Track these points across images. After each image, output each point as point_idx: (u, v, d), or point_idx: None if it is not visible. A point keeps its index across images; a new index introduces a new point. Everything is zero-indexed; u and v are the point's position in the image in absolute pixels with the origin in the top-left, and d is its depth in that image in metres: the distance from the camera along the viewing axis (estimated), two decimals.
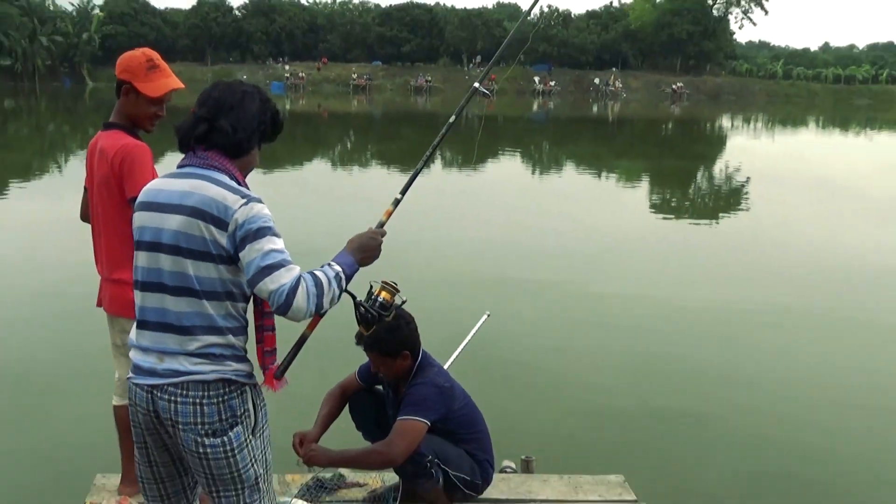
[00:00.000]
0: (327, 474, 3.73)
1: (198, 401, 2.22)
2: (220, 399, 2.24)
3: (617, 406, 5.73)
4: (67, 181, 15.83)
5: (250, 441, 2.31)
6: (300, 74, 62.38)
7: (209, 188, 2.21)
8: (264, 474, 2.38)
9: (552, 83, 63.36)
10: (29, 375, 5.77)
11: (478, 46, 66.32)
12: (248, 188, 2.30)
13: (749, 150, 28.12)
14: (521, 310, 7.76)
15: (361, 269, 2.43)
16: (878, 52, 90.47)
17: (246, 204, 2.18)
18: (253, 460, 2.32)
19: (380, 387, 3.56)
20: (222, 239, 2.18)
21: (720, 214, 15.15)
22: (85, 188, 3.37)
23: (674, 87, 63.15)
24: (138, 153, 3.13)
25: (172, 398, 2.23)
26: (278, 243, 2.18)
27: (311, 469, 3.25)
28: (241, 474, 2.31)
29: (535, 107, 51.46)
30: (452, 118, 2.84)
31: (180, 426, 2.24)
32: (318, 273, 2.21)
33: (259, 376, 2.42)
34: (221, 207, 2.18)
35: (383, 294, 2.49)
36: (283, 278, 2.13)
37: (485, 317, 4.44)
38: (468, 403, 3.44)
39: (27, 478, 4.47)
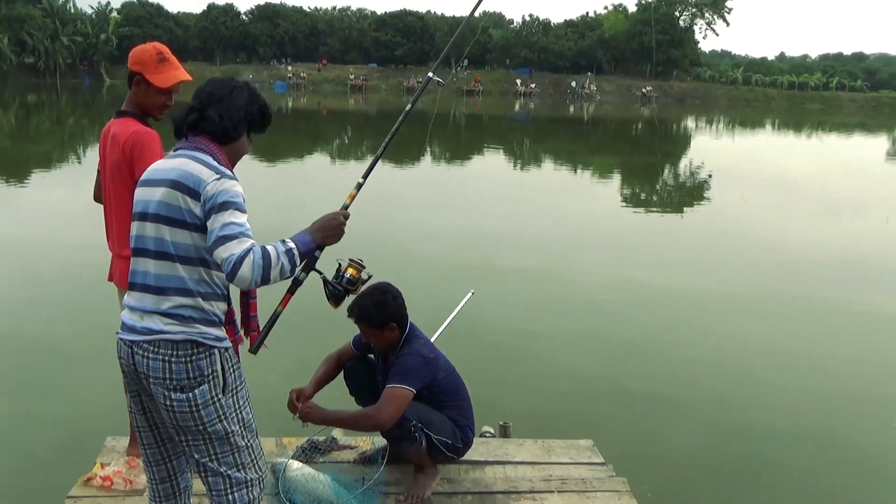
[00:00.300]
0: (321, 437, 3.72)
1: (167, 358, 2.25)
2: (188, 359, 2.25)
3: (589, 380, 5.75)
4: (86, 170, 15.66)
5: (218, 399, 2.30)
6: (302, 75, 61.95)
7: (191, 164, 2.27)
8: (240, 431, 2.36)
9: (533, 85, 63.24)
10: (48, 347, 5.71)
11: (464, 51, 66.02)
12: (231, 170, 2.34)
13: (711, 149, 28.17)
14: (504, 291, 7.75)
15: (343, 247, 2.42)
16: (829, 61, 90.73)
17: (218, 179, 2.23)
18: (221, 417, 2.31)
19: (372, 356, 3.54)
20: (196, 209, 2.22)
21: (685, 208, 15.17)
22: (98, 171, 3.33)
23: (643, 90, 63.11)
24: (148, 139, 3.09)
25: (146, 354, 2.27)
26: (239, 217, 2.20)
27: (305, 424, 3.20)
28: (207, 428, 2.31)
29: (517, 107, 51.29)
30: (409, 107, 2.84)
31: (151, 380, 2.29)
32: (269, 247, 2.20)
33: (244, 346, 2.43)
34: (197, 180, 2.23)
35: (350, 271, 2.51)
36: (234, 248, 2.15)
37: (469, 294, 4.42)
38: (452, 373, 3.42)
39: (44, 440, 4.44)
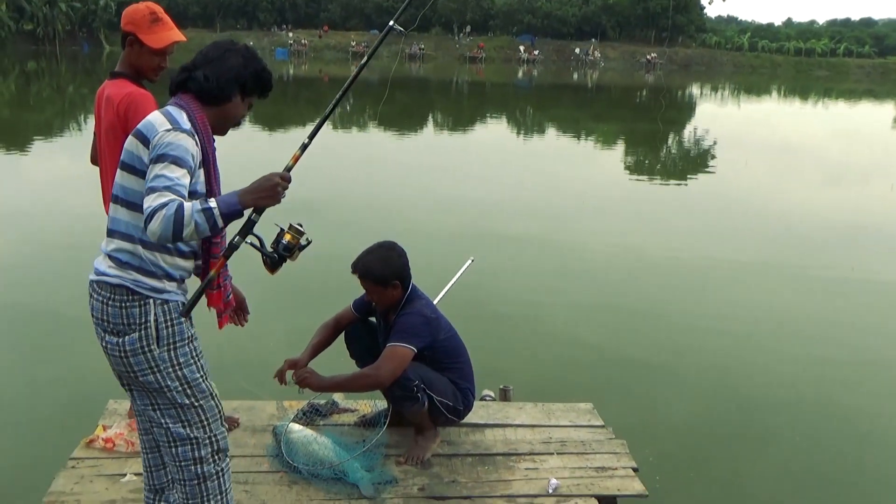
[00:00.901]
0: (321, 400, 3.74)
1: (104, 301, 2.30)
2: (122, 304, 2.28)
3: (590, 347, 5.76)
4: (86, 139, 15.62)
5: (150, 351, 2.30)
6: (303, 41, 61.26)
7: (155, 115, 2.28)
8: (180, 388, 2.35)
9: (536, 52, 62.55)
10: (50, 312, 5.73)
11: (467, 17, 65.26)
12: (210, 131, 2.33)
13: (716, 116, 27.96)
14: (504, 259, 7.75)
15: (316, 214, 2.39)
16: (837, 27, 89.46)
17: (168, 131, 2.22)
18: (154, 369, 2.32)
19: (373, 318, 3.55)
20: (145, 156, 2.23)
21: (689, 176, 15.09)
22: (94, 133, 3.30)
23: (648, 57, 62.43)
24: (142, 101, 3.05)
25: (93, 294, 2.34)
26: (173, 171, 2.16)
27: (302, 391, 3.23)
28: (139, 377, 2.34)
29: (520, 74, 50.83)
30: (365, 59, 2.76)
31: (93, 319, 2.36)
32: (186, 205, 2.14)
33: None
34: (151, 129, 2.24)
35: (287, 236, 2.46)
36: (152, 200, 2.13)
37: (470, 261, 4.42)
38: (453, 335, 3.43)
39: (46, 403, 4.48)
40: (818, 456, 4.38)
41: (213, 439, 2.46)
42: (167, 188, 2.14)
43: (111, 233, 2.33)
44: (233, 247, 2.44)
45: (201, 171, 2.33)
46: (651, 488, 3.29)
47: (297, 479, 3.15)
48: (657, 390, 5.09)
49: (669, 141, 20.62)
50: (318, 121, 2.62)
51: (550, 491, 3.15)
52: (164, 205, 2.11)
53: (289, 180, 2.36)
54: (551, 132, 21.50)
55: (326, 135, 18.06)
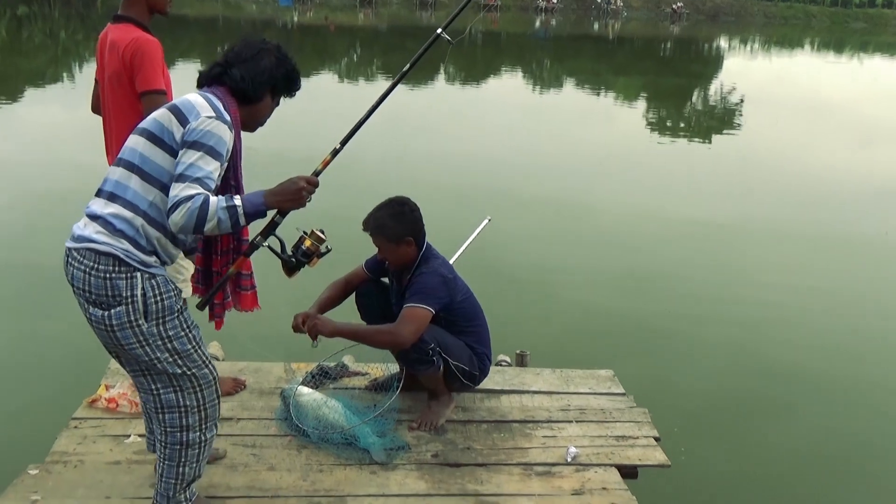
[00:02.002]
0: (331, 363, 3.76)
1: (88, 270, 2.27)
2: (107, 275, 2.26)
3: (610, 311, 5.77)
4: (80, 87, 15.53)
5: (138, 325, 2.30)
6: None
7: (196, 97, 2.38)
8: (171, 359, 2.37)
9: (554, 0, 61.56)
10: (50, 270, 5.73)
11: None
12: (238, 126, 2.43)
13: (745, 70, 27.54)
14: (521, 220, 7.73)
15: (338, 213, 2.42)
16: None
17: (211, 118, 2.29)
18: (143, 343, 2.32)
19: (385, 279, 3.54)
20: (178, 133, 2.28)
21: (715, 134, 14.95)
22: (96, 80, 3.26)
23: (674, 6, 61.29)
24: (149, 48, 3.01)
25: (73, 262, 2.31)
26: (208, 164, 2.24)
27: (316, 343, 3.22)
28: (127, 350, 2.35)
29: (537, 23, 50.06)
30: (407, 67, 2.85)
31: (74, 289, 2.34)
32: (212, 199, 2.21)
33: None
34: (191, 109, 2.31)
35: (307, 243, 2.58)
36: (180, 190, 2.19)
37: (486, 221, 4.40)
38: (470, 297, 3.43)
39: (47, 362, 4.53)
40: (845, 428, 4.39)
41: (203, 408, 2.49)
42: (197, 180, 2.20)
43: (112, 197, 2.31)
44: (253, 246, 2.56)
45: (227, 163, 2.40)
46: (673, 459, 3.30)
47: (306, 443, 3.18)
48: (679, 358, 5.10)
49: (694, 97, 20.36)
50: (354, 125, 2.71)
51: (569, 459, 3.17)
52: (190, 197, 2.18)
53: (316, 185, 2.46)
54: (569, 86, 21.25)
55: (332, 87, 17.97)
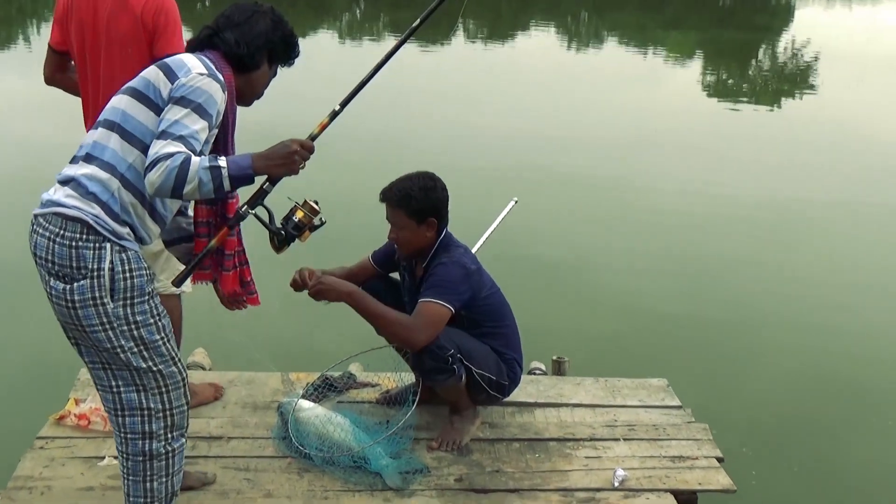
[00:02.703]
0: (336, 373, 3.79)
1: (52, 237, 2.32)
2: (73, 242, 2.31)
3: (660, 309, 5.77)
4: (38, 53, 15.63)
5: (103, 304, 2.34)
6: None
7: (191, 57, 2.45)
8: (137, 350, 2.41)
9: None
10: (6, 266, 5.82)
11: None
12: (232, 92, 2.49)
13: (820, 23, 27.22)
14: (552, 201, 7.72)
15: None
16: None
17: (203, 75, 2.36)
18: (106, 326, 2.36)
19: (395, 274, 3.56)
20: (164, 90, 2.36)
21: (783, 98, 14.83)
22: (54, 49, 3.26)
23: None
24: (173, 7, 3.07)
25: (38, 229, 2.37)
26: (194, 121, 2.30)
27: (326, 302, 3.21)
28: (89, 333, 2.38)
29: None
30: (417, 22, 2.89)
31: (36, 259, 2.39)
32: (193, 159, 2.26)
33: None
34: (181, 65, 2.39)
35: (299, 214, 2.63)
36: (160, 147, 2.25)
37: (512, 203, 4.40)
38: (496, 293, 3.43)
39: (7, 372, 4.59)
40: None
41: (169, 413, 2.52)
42: (181, 138, 2.26)
43: (89, 158, 2.37)
44: (238, 217, 2.59)
45: (214, 132, 2.45)
46: (740, 483, 3.30)
47: (308, 466, 3.20)
48: (744, 364, 5.10)
49: (760, 54, 20.19)
50: (353, 88, 2.73)
51: (616, 484, 3.17)
52: (170, 155, 2.23)
53: (311, 150, 2.51)
54: (611, 44, 21.12)
55: (331, 48, 17.98)
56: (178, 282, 2.73)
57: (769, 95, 15.16)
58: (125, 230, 2.37)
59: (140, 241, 2.45)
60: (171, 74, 2.36)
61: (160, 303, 2.49)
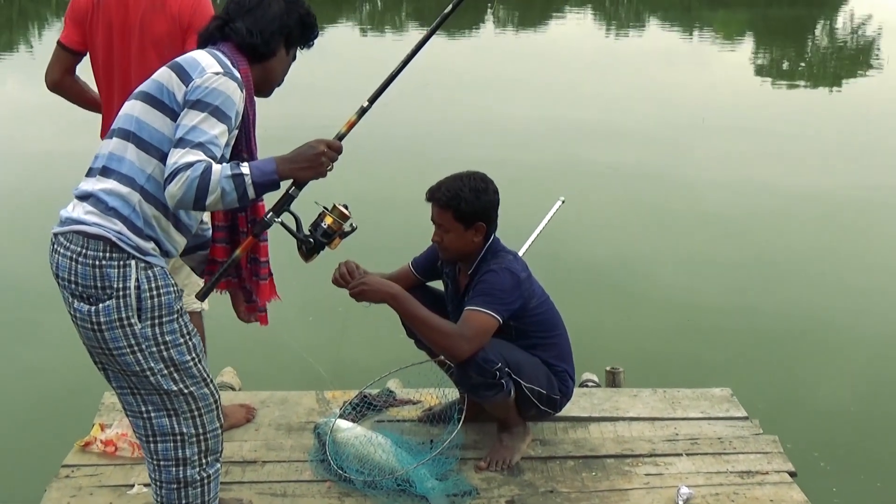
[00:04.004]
0: (374, 390, 3.81)
1: (74, 257, 2.36)
2: (97, 262, 2.34)
3: (720, 312, 5.76)
4: (41, 57, 15.87)
5: (130, 325, 2.37)
6: None
7: (201, 53, 2.47)
8: (167, 372, 2.44)
9: None
10: (23, 286, 5.93)
11: None
12: (250, 87, 2.50)
13: None
14: (599, 197, 7.73)
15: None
16: None
17: (218, 74, 2.37)
18: (135, 348, 2.39)
19: (432, 283, 3.58)
20: (179, 93, 2.38)
21: (844, 80, 14.70)
22: (67, 47, 3.30)
23: None
24: (208, 6, 3.12)
25: (58, 248, 2.40)
26: (212, 126, 2.32)
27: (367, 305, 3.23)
28: (116, 357, 2.41)
29: None
30: (448, 9, 2.85)
31: (59, 280, 2.42)
32: (214, 167, 2.27)
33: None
34: (195, 65, 2.40)
35: (328, 220, 2.60)
36: (179, 157, 2.26)
37: (559, 203, 4.40)
38: (546, 301, 3.44)
39: (30, 397, 4.68)
40: None
41: (203, 437, 2.56)
42: (200, 145, 2.27)
43: (106, 171, 2.40)
44: (264, 224, 2.60)
45: (234, 133, 2.47)
46: (816, 499, 3.28)
47: (348, 490, 3.22)
48: (812, 370, 5.07)
49: (817, 31, 20.01)
50: (381, 82, 2.73)
51: (680, 502, 3.16)
52: (190, 164, 2.24)
53: (339, 150, 2.50)
54: (653, 26, 21.08)
55: (352, 41, 18.06)
56: (203, 295, 2.74)
57: (828, 76, 15.06)
58: (150, 245, 2.40)
59: (166, 254, 2.49)
60: (184, 76, 2.38)
61: (190, 321, 2.54)
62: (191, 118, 2.31)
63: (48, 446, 3.66)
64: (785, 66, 16.11)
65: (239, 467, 3.36)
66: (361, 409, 3.72)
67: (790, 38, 19.07)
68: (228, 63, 2.45)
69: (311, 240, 2.61)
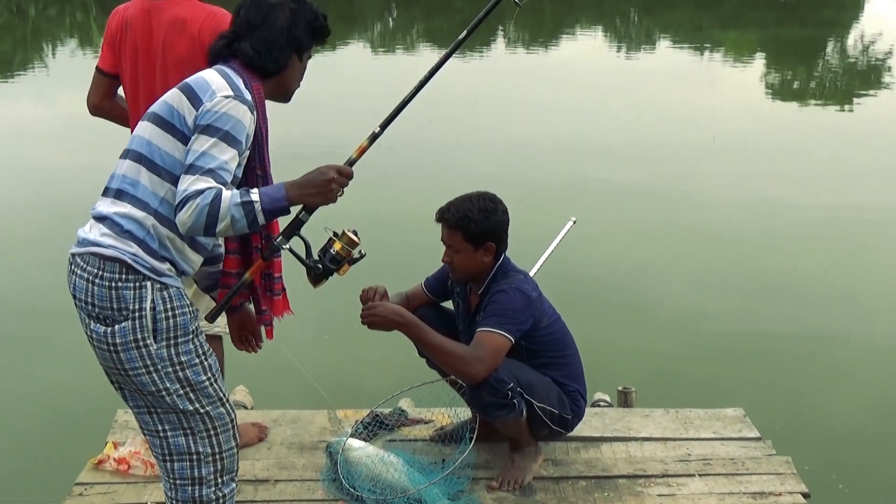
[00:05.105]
0: (386, 409, 3.82)
1: (90, 279, 2.39)
2: (113, 284, 2.37)
3: (727, 332, 5.74)
4: (56, 75, 16.04)
5: (146, 346, 2.40)
6: None
7: (212, 74, 2.48)
8: (183, 392, 2.47)
9: None
10: (29, 304, 5.97)
11: None
12: (262, 103, 2.52)
13: (893, 14, 26.93)
14: (609, 216, 7.73)
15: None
16: None
17: (228, 98, 2.39)
18: (150, 369, 2.42)
19: (447, 304, 3.59)
20: (189, 117, 2.39)
21: (856, 98, 14.65)
22: (104, 71, 3.34)
23: None
24: (226, 21, 3.12)
25: (76, 269, 2.44)
26: (222, 151, 2.34)
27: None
28: (132, 377, 2.43)
29: None
30: (463, 34, 2.85)
31: (77, 300, 2.46)
32: (224, 194, 2.29)
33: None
34: (205, 88, 2.42)
35: (337, 246, 2.60)
36: (189, 184, 2.30)
37: (570, 223, 4.42)
38: (557, 320, 3.45)
39: (42, 415, 4.71)
40: None
41: (219, 456, 2.58)
42: (210, 172, 2.30)
43: (120, 194, 2.42)
44: (273, 248, 2.62)
45: (245, 155, 2.49)
46: None
47: None
48: (826, 391, 5.06)
49: (828, 50, 20.02)
50: (394, 108, 2.75)
51: None
52: (200, 192, 2.27)
53: (349, 176, 2.52)
54: (664, 46, 21.07)
55: (364, 60, 18.13)
56: (212, 317, 2.78)
57: (840, 95, 15.02)
58: (165, 266, 2.43)
59: (182, 273, 2.52)
60: (195, 99, 2.40)
61: (205, 341, 2.56)
62: (201, 143, 2.33)
63: (61, 464, 3.68)
64: (796, 85, 16.11)
65: (251, 486, 3.38)
66: (373, 428, 3.74)
67: (801, 57, 19.06)
68: (239, 83, 2.47)
69: (320, 266, 2.62)
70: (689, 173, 9.41)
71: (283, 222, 2.63)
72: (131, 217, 2.39)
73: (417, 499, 3.20)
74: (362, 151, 2.68)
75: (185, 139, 2.38)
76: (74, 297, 2.46)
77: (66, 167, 9.13)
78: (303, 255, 2.63)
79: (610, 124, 11.64)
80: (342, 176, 2.49)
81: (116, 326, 2.38)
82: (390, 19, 26.51)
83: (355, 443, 3.48)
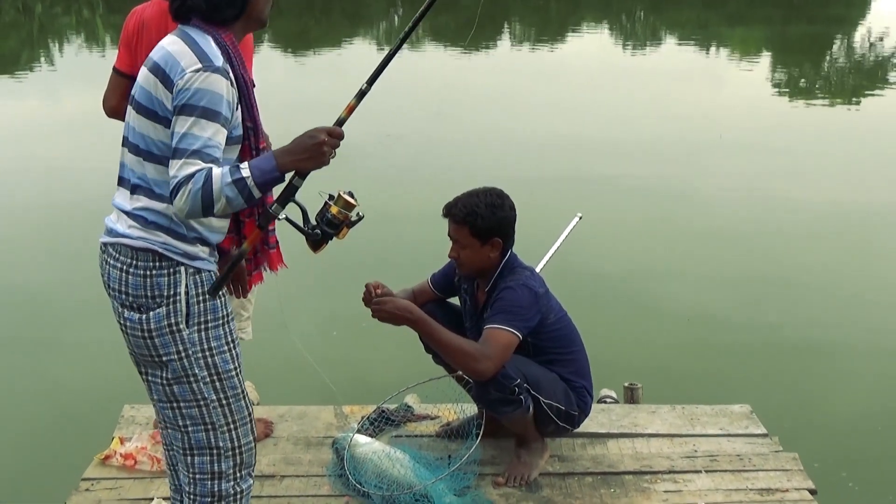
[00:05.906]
0: (392, 405, 3.83)
1: (125, 268, 2.40)
2: (147, 272, 2.38)
3: (733, 328, 5.74)
4: (62, 73, 16.07)
5: (179, 331, 2.41)
6: None
7: (178, 45, 2.37)
8: (209, 380, 2.47)
9: None
10: (45, 298, 5.97)
11: None
12: (237, 52, 2.42)
13: None
14: (616, 213, 7.73)
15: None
16: None
17: (197, 71, 2.30)
18: (182, 354, 2.43)
19: (454, 299, 3.60)
20: (167, 101, 2.33)
21: (862, 96, 14.62)
22: (122, 72, 3.33)
23: None
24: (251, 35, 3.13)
25: (109, 259, 2.45)
26: (203, 129, 2.27)
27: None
28: (165, 362, 2.44)
29: None
30: None
31: (109, 290, 2.48)
32: (214, 175, 2.24)
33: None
34: (174, 66, 2.33)
35: (333, 210, 2.52)
36: (177, 170, 2.26)
37: (576, 219, 4.43)
38: (564, 316, 3.45)
39: (49, 410, 4.71)
40: None
41: (238, 451, 2.58)
42: (196, 153, 2.26)
43: (136, 189, 2.42)
44: (269, 216, 2.55)
45: (238, 111, 2.44)
46: None
47: None
48: (832, 387, 5.04)
49: (835, 48, 19.97)
50: (379, 63, 2.66)
51: None
52: (190, 176, 2.24)
53: (340, 136, 2.42)
54: (670, 43, 21.06)
55: (369, 58, 18.11)
56: (213, 290, 2.73)
57: (846, 92, 15.00)
58: (196, 248, 2.43)
59: (212, 246, 2.51)
60: (167, 81, 2.32)
61: (235, 329, 2.56)
62: (181, 125, 2.28)
63: (68, 459, 3.69)
64: (802, 83, 16.08)
65: (258, 481, 3.35)
66: (379, 423, 3.74)
67: (807, 55, 19.02)
68: (207, 46, 2.36)
69: (318, 231, 2.54)
70: (696, 170, 9.41)
71: (276, 190, 2.54)
72: (152, 209, 2.39)
73: (424, 494, 3.20)
74: (351, 110, 2.56)
75: (168, 123, 2.34)
76: (107, 285, 2.47)
77: (73, 165, 9.14)
78: (300, 222, 2.56)
79: (616, 121, 11.64)
80: (333, 137, 2.40)
81: (151, 313, 2.40)
82: (396, 17, 26.51)
83: (362, 438, 3.49)
